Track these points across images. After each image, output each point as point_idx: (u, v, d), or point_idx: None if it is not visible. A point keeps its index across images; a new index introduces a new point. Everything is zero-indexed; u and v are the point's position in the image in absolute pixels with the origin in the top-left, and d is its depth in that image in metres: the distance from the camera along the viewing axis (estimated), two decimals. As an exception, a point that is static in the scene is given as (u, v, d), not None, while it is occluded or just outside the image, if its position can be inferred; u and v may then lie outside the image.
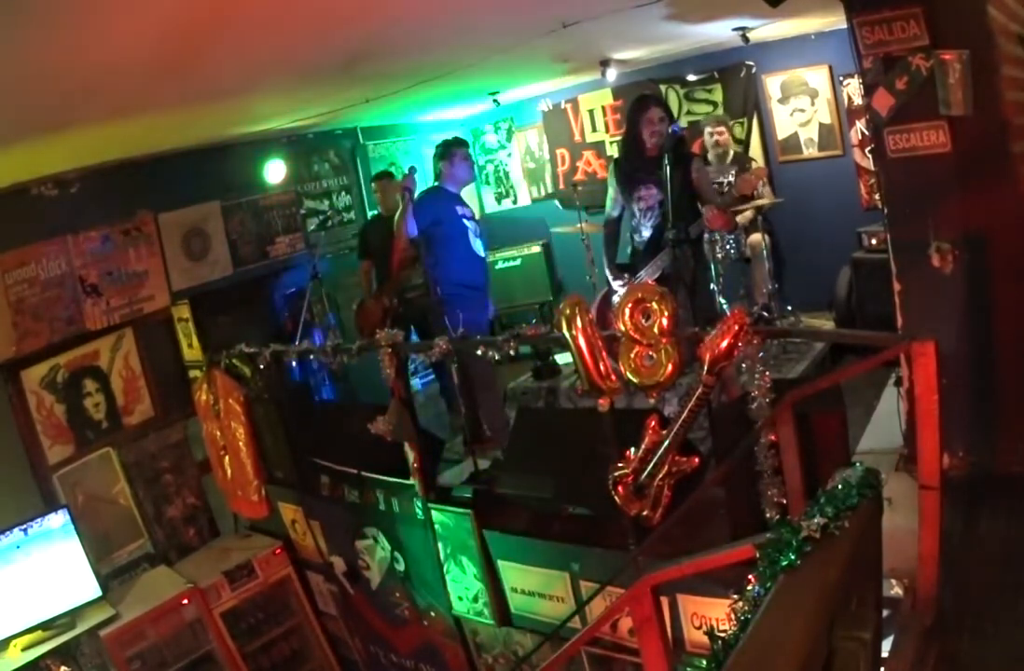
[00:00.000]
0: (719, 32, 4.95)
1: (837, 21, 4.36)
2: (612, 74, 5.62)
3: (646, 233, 3.98)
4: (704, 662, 1.51)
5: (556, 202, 6.78)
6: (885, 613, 2.09)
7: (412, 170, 4.53)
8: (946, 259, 2.90)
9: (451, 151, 4.59)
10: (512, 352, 3.12)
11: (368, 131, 6.41)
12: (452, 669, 3.83)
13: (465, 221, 4.49)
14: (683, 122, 5.97)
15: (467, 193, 5.19)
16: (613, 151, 6.50)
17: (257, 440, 4.28)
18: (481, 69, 4.18)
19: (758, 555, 1.57)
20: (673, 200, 3.77)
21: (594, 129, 6.60)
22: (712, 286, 4.99)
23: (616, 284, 4.12)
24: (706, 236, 4.71)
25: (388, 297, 5.07)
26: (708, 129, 5.41)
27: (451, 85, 4.72)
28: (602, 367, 2.66)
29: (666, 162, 3.74)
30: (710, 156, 5.48)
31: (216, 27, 2.45)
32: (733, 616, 1.51)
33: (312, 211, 5.99)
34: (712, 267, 4.96)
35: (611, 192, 4.17)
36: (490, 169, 7.33)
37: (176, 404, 4.73)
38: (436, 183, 4.69)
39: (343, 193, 6.24)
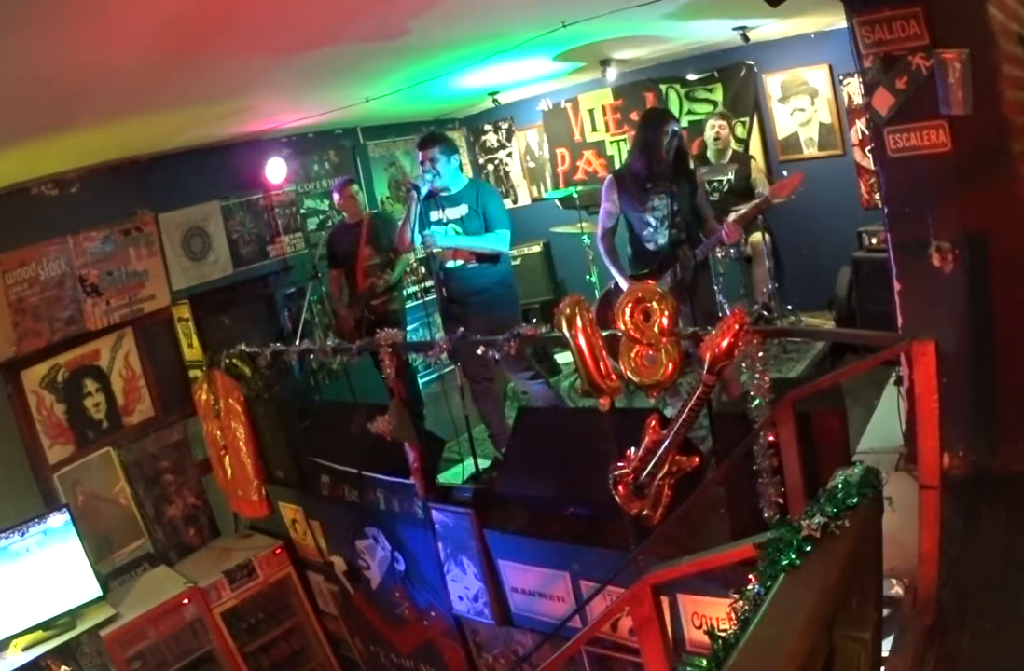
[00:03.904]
0: (719, 31, 4.95)
1: (837, 20, 4.36)
2: (612, 74, 5.62)
3: (662, 241, 3.93)
4: (704, 661, 1.51)
5: (556, 202, 6.77)
6: (885, 613, 2.09)
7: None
8: (946, 259, 2.90)
9: (456, 147, 4.23)
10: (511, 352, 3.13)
11: (368, 131, 6.40)
12: (452, 669, 3.83)
13: (435, 228, 4.11)
14: (684, 122, 5.97)
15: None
16: (614, 150, 6.50)
17: (257, 440, 4.28)
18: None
19: (758, 554, 1.57)
20: (683, 209, 3.80)
21: (594, 129, 6.59)
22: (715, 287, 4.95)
23: None
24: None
25: (358, 308, 4.92)
26: (710, 122, 5.39)
27: (451, 85, 4.70)
28: (602, 367, 2.66)
29: (672, 171, 3.75)
30: (709, 153, 5.47)
31: (215, 27, 2.46)
32: (733, 615, 1.51)
33: (312, 211, 5.99)
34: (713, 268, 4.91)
35: (607, 205, 4.03)
36: (490, 169, 7.33)
37: (176, 404, 4.74)
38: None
39: (343, 193, 6.23)
